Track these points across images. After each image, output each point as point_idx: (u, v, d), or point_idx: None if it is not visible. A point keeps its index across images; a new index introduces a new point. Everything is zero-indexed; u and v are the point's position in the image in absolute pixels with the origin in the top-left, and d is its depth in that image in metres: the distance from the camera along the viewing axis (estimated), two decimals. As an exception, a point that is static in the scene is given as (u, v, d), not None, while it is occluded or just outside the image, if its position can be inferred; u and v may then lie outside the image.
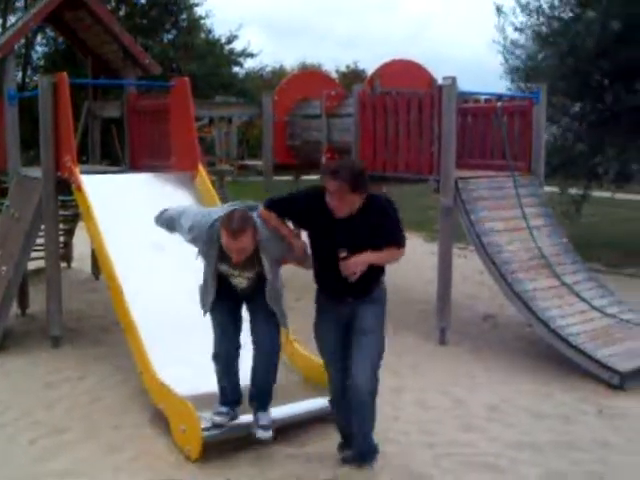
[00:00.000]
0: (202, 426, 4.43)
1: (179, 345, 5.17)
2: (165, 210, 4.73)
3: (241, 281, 4.35)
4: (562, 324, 6.41)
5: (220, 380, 4.51)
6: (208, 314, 4.50)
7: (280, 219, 4.29)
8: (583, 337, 6.34)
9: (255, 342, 4.44)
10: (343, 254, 4.00)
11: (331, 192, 3.98)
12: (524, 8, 11.62)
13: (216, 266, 4.30)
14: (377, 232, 4.11)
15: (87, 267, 9.85)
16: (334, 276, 4.09)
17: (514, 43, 11.96)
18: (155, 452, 4.62)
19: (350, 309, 4.19)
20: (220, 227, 4.08)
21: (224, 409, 4.47)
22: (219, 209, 4.52)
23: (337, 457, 4.46)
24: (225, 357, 4.47)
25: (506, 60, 12.10)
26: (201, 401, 4.62)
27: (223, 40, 26.27)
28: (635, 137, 10.52)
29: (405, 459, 4.53)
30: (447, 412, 5.38)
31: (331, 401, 4.48)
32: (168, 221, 4.64)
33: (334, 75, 30.91)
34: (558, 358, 6.33)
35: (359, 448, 4.34)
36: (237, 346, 4.49)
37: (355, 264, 4.02)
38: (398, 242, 4.19)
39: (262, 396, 4.46)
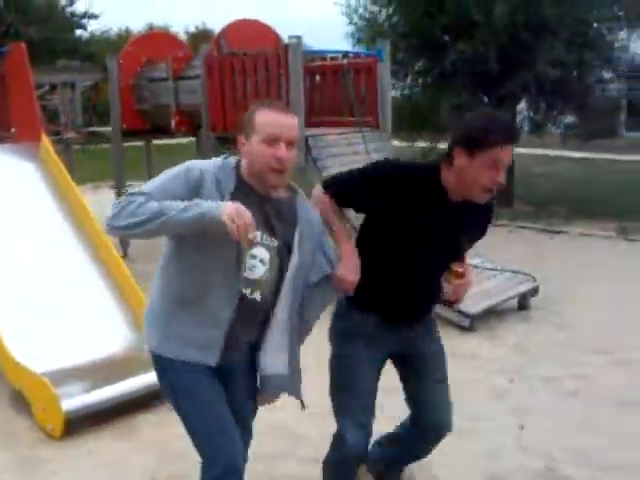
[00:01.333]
0: (61, 402, 4.33)
1: (34, 321, 5.00)
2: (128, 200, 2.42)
3: (258, 261, 2.52)
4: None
5: None
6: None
7: (340, 211, 2.95)
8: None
9: None
10: (460, 269, 2.86)
11: (505, 163, 2.69)
12: None
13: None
14: (478, 233, 3.12)
15: None
16: (414, 293, 2.95)
17: (355, 5, 12.22)
18: (17, 432, 4.48)
19: (407, 337, 3.07)
20: (256, 110, 2.46)
21: None
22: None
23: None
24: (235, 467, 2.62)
25: (350, 21, 12.34)
26: (59, 377, 4.52)
27: (63, 2, 25.01)
28: (471, 91, 11.03)
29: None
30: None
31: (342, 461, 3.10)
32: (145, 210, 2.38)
33: (183, 37, 30.28)
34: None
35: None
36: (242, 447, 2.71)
37: (469, 284, 2.90)
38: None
39: None
